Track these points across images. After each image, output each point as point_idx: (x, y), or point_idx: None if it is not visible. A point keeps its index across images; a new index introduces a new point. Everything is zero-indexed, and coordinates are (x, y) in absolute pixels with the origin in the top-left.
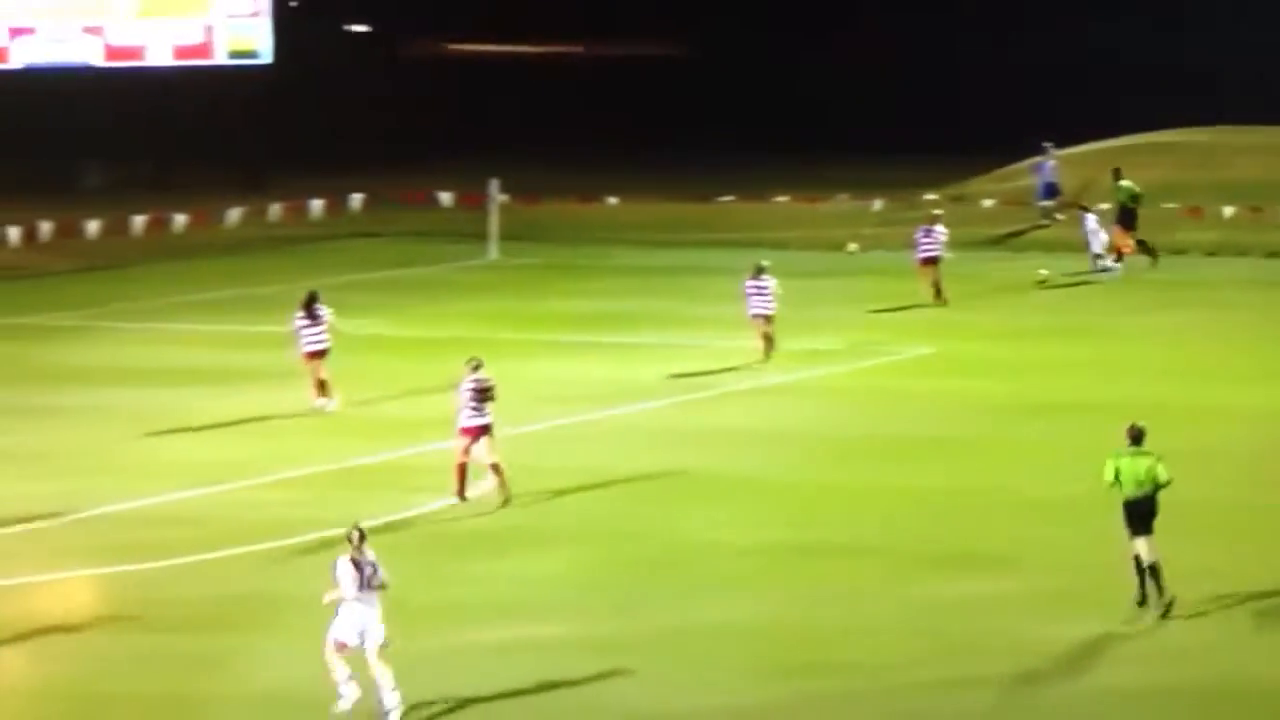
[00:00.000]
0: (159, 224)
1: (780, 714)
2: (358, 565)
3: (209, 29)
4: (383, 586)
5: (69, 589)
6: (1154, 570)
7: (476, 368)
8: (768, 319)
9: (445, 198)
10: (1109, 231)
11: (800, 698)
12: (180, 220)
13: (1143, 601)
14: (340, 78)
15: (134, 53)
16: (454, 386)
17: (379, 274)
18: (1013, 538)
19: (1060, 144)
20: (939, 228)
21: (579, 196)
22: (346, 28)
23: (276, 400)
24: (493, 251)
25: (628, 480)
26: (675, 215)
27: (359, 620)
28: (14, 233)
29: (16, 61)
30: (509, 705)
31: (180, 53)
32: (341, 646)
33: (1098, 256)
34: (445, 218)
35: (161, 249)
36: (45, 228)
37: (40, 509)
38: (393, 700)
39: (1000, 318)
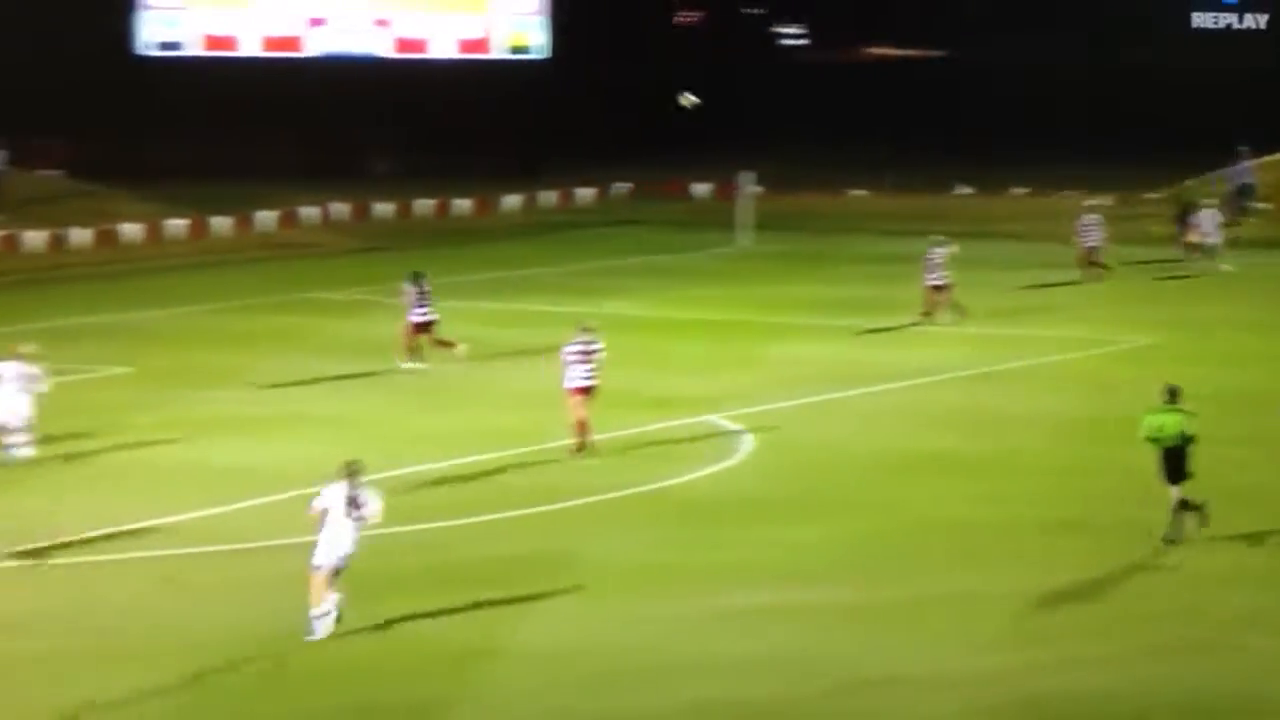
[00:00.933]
0: (441, 209)
1: (1033, 676)
2: (350, 497)
3: (489, 24)
4: (366, 520)
5: (369, 547)
6: (1186, 504)
7: (586, 330)
8: (942, 289)
9: (702, 189)
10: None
11: (1035, 666)
12: (460, 205)
13: (1173, 540)
14: (615, 71)
15: (419, 45)
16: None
17: (638, 259)
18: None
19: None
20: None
21: (827, 188)
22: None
23: (546, 374)
24: (744, 240)
25: (875, 456)
26: (913, 207)
27: (339, 544)
28: (312, 213)
29: (312, 50)
30: (768, 666)
31: (464, 46)
32: (318, 569)
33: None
34: (702, 208)
35: (443, 232)
36: (339, 209)
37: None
38: (325, 623)
39: (1216, 310)
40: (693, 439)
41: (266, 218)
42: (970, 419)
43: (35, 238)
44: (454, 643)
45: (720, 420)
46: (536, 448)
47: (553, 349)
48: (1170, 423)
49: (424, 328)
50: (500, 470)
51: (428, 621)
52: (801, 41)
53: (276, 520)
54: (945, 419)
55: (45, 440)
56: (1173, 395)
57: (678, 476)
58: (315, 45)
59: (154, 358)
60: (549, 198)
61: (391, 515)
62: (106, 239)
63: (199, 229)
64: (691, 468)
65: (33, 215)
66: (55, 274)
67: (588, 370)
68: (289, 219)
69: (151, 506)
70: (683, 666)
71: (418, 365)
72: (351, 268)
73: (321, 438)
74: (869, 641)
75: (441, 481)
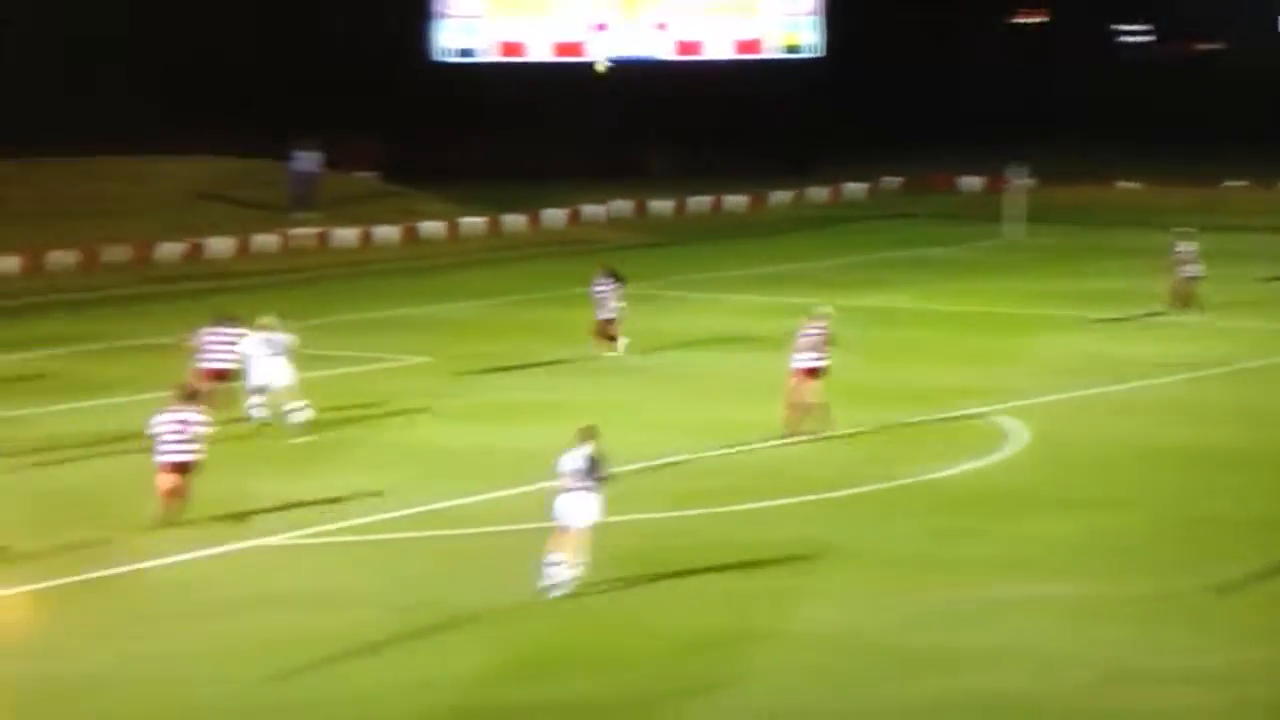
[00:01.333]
0: (716, 205)
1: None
2: (590, 459)
3: (763, 25)
4: (606, 479)
5: (641, 530)
6: None
7: (818, 314)
8: (1192, 281)
9: (973, 182)
10: None
11: None
12: (734, 202)
13: None
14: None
15: (696, 47)
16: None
17: (906, 253)
18: None
19: None
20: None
21: (1096, 180)
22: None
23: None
24: (1013, 233)
25: (1136, 450)
26: (1184, 200)
27: (579, 506)
28: (597, 211)
29: (593, 54)
30: (1026, 658)
31: (739, 47)
32: (563, 529)
33: None
34: (972, 201)
35: (717, 228)
36: (620, 207)
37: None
38: (557, 573)
39: None
40: (958, 431)
41: (554, 215)
42: (1237, 413)
43: (346, 235)
44: (714, 628)
45: (985, 413)
46: (808, 437)
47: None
48: None
49: (608, 324)
50: (770, 459)
51: (691, 605)
52: (1144, 39)
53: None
54: (1210, 413)
55: (348, 422)
56: None
57: (943, 469)
58: (599, 49)
59: (452, 347)
60: (819, 193)
61: (659, 500)
62: (410, 236)
63: (493, 226)
64: (956, 460)
65: (345, 214)
66: (363, 269)
67: (815, 355)
68: (574, 217)
69: (448, 488)
70: (945, 656)
71: (617, 347)
72: (632, 262)
73: (608, 422)
74: (1128, 635)
75: (710, 469)
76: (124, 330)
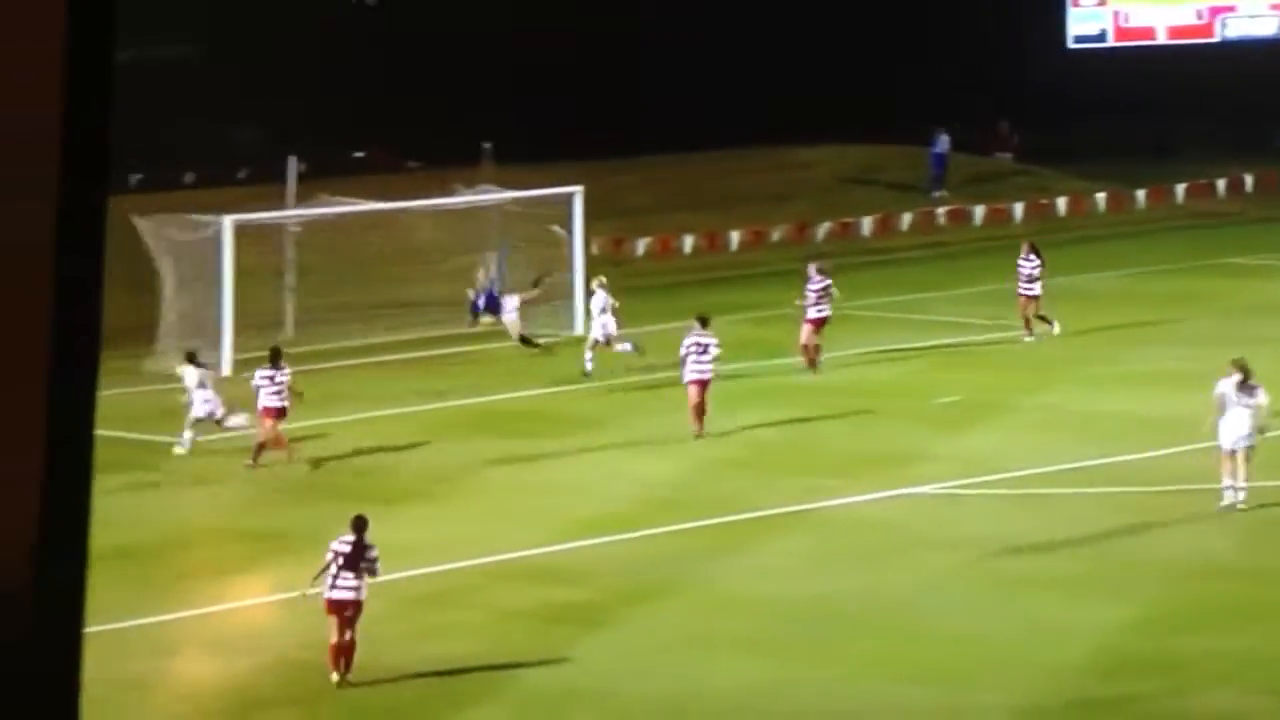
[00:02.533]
0: None
1: None
2: (1242, 385)
3: None
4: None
5: None
6: None
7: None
8: None
9: None
10: None
11: None
12: None
13: None
14: None
15: None
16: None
17: None
18: None
19: None
20: None
21: None
22: None
23: None
24: None
25: None
26: None
27: (1237, 428)
28: (1220, 184)
29: (1219, 35)
30: None
31: None
32: (1227, 451)
33: None
34: None
35: None
36: (1247, 180)
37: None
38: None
39: None
40: None
41: (1182, 190)
42: None
43: (978, 212)
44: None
45: None
46: None
47: None
48: None
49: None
50: None
51: None
52: None
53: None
54: None
55: (991, 388)
56: None
57: None
58: (1223, 30)
59: (1081, 317)
60: None
61: None
62: (1038, 212)
63: (1119, 201)
64: None
65: (975, 192)
66: (993, 243)
67: None
68: (1201, 190)
69: (1097, 448)
70: None
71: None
72: (1263, 235)
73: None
74: None
75: None
76: (787, 299)
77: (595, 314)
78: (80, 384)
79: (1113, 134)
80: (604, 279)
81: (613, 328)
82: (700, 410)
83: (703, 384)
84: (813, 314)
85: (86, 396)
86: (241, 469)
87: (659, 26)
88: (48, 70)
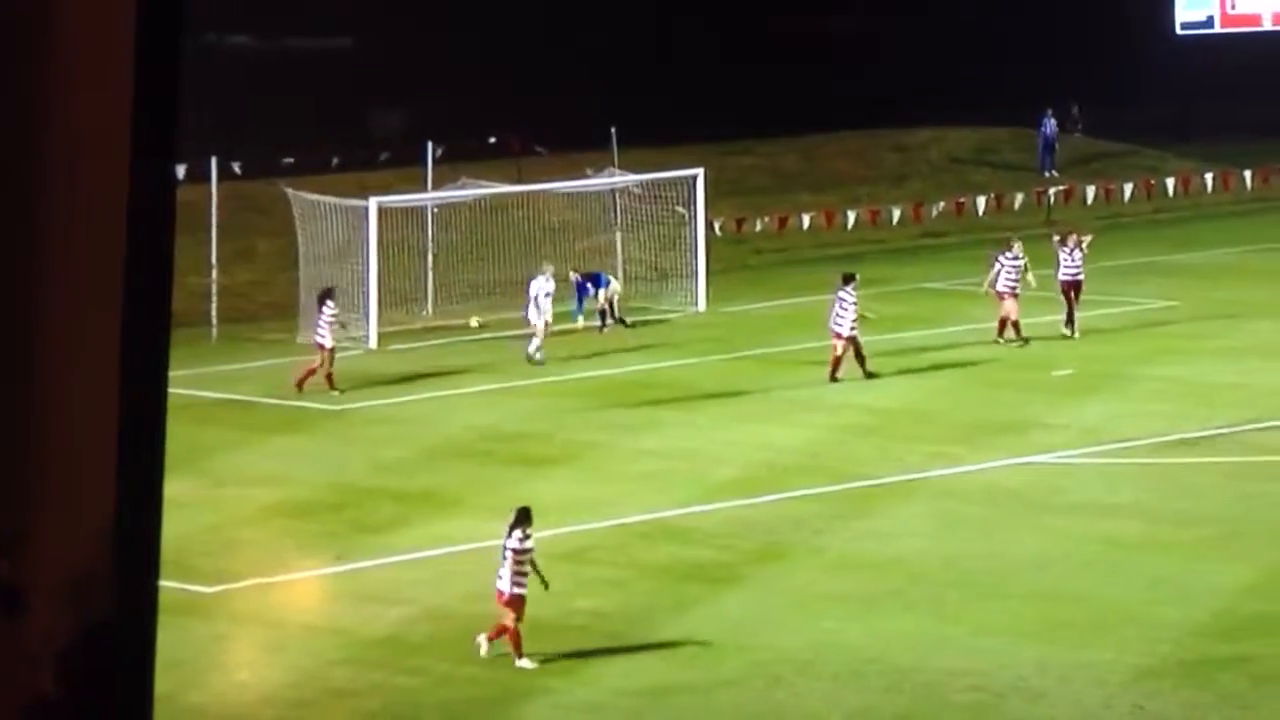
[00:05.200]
0: None
1: None
2: None
3: None
4: None
5: None
6: None
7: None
8: None
9: None
10: None
11: None
12: None
13: None
14: None
15: None
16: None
17: None
18: None
19: None
20: None
21: None
22: None
23: None
24: None
25: None
26: None
27: None
28: None
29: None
30: None
31: None
32: None
33: None
34: None
35: None
36: None
37: None
38: None
39: None
40: None
41: None
42: None
43: (1089, 191)
44: None
45: None
46: None
47: None
48: None
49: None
50: None
51: None
52: None
53: None
54: None
55: (1116, 359)
56: None
57: None
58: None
59: (1196, 292)
60: None
61: None
62: (1148, 190)
63: (1228, 181)
64: None
65: (1087, 172)
66: (1109, 221)
67: None
68: None
69: (1209, 419)
70: None
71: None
72: None
73: None
74: None
75: None
76: (904, 275)
77: (539, 298)
78: (151, 369)
79: (1220, 116)
80: (553, 267)
81: (540, 318)
82: (837, 362)
83: (841, 338)
84: (1006, 288)
85: (158, 379)
86: (387, 431)
87: (782, 11)
88: (119, 59)
